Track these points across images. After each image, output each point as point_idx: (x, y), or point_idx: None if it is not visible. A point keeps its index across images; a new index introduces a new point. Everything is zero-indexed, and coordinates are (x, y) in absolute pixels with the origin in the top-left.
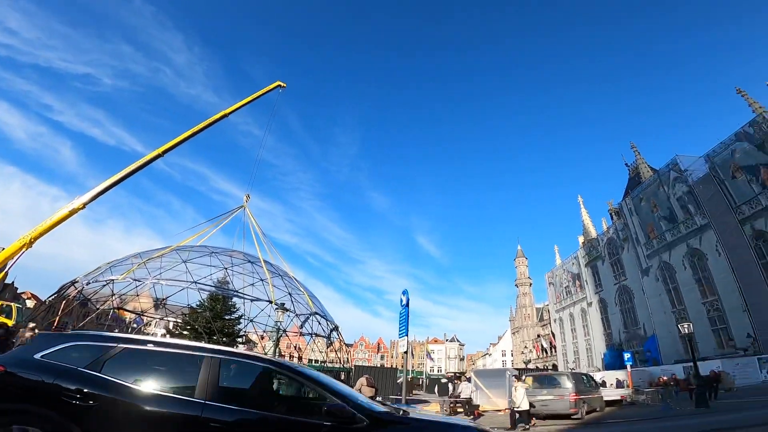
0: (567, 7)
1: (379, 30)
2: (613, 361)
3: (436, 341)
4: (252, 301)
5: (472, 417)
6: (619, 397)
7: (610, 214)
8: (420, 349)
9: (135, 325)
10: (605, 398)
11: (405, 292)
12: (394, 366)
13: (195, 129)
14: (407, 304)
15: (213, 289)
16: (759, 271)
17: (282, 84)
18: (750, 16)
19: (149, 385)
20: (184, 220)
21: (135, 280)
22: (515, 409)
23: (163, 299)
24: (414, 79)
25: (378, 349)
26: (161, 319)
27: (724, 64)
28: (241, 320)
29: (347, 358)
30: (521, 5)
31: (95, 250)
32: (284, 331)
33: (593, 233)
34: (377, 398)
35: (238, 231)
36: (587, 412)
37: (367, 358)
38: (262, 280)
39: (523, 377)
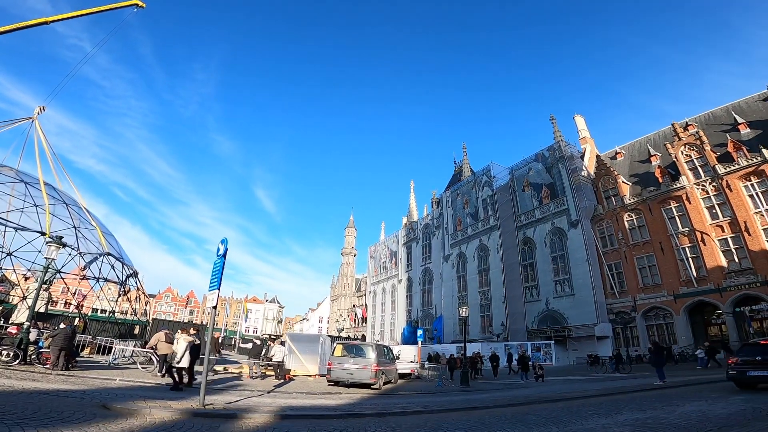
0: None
1: None
2: (410, 337)
3: (255, 300)
4: (16, 230)
5: (282, 381)
6: (409, 371)
7: (432, 202)
8: (237, 307)
9: None
10: (399, 371)
11: (224, 241)
12: (204, 323)
13: None
14: (224, 255)
15: None
16: (520, 270)
17: (140, 3)
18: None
19: None
20: None
21: None
22: (174, 365)
23: None
24: (291, 37)
25: (187, 303)
26: None
27: (563, 91)
28: None
29: (146, 310)
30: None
31: None
32: (58, 271)
33: (415, 216)
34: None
35: (15, 144)
36: (384, 383)
37: (173, 312)
38: (36, 205)
39: (180, 331)
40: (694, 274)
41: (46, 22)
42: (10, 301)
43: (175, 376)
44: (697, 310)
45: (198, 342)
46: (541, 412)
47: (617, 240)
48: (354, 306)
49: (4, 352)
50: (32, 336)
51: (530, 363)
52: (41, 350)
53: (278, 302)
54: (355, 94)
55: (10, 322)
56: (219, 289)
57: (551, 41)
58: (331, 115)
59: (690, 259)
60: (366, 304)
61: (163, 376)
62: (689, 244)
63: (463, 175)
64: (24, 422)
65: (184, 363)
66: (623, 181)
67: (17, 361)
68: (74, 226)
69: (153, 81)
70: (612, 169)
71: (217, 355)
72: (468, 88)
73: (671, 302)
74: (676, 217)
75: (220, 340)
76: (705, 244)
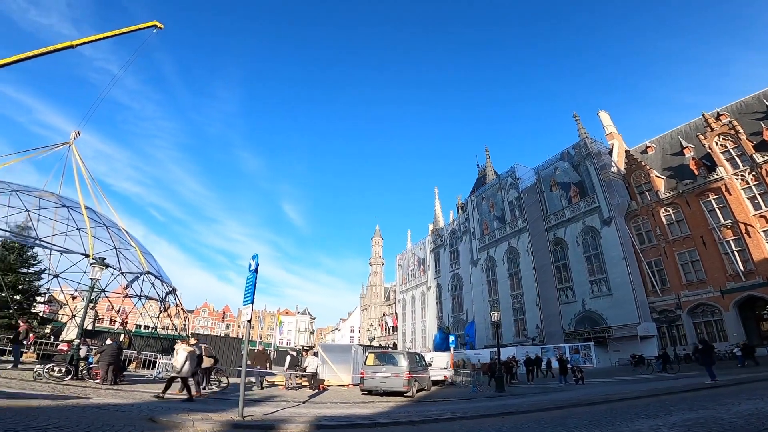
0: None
1: None
2: (441, 343)
3: (287, 312)
4: (62, 253)
5: (316, 391)
6: (442, 378)
7: (458, 207)
8: (270, 320)
9: None
10: (432, 378)
11: (255, 257)
12: (240, 336)
13: (23, 56)
14: (256, 270)
15: (7, 234)
16: (552, 272)
17: (159, 24)
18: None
19: None
20: None
21: None
22: (175, 374)
23: None
24: (307, 55)
25: (223, 318)
26: None
27: (583, 89)
28: (44, 275)
29: (185, 326)
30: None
31: None
32: (103, 291)
33: (441, 223)
34: (216, 368)
35: (55, 170)
36: (417, 391)
37: (210, 326)
38: (79, 229)
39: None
40: (741, 268)
41: (72, 46)
42: (60, 319)
43: (190, 387)
44: (748, 305)
45: (198, 352)
46: (583, 415)
47: (655, 236)
48: (384, 315)
49: (57, 369)
50: (82, 352)
51: (569, 366)
52: (91, 365)
53: (309, 314)
54: (375, 97)
55: (60, 339)
56: (252, 303)
57: (567, 38)
58: (350, 123)
59: (735, 253)
60: (396, 313)
61: (204, 388)
62: (733, 237)
63: (487, 179)
64: None
65: (185, 373)
66: (657, 175)
67: (69, 376)
68: (115, 247)
69: (178, 101)
70: (643, 163)
71: (267, 368)
72: (486, 90)
73: (718, 298)
74: (717, 210)
75: (272, 356)
76: (750, 236)
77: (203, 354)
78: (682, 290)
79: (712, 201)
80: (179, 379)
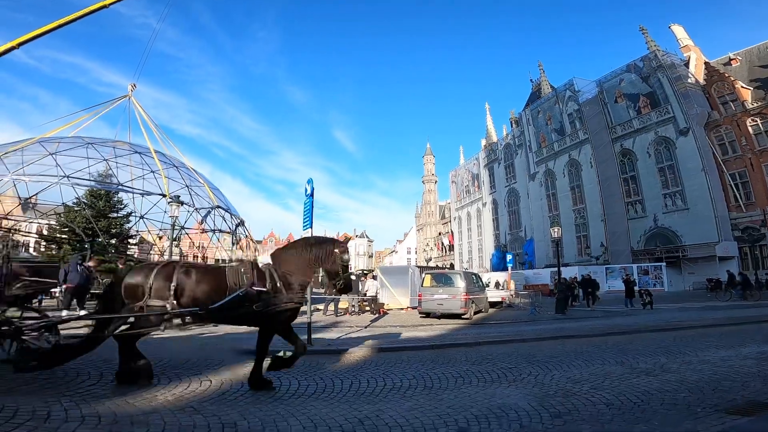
0: None
1: None
2: (498, 262)
3: (346, 237)
4: (143, 195)
5: (377, 315)
6: (500, 299)
7: (511, 122)
8: None
9: None
10: (489, 299)
11: (310, 181)
12: None
13: (63, 20)
14: (312, 194)
15: (92, 183)
16: (619, 184)
17: None
18: None
19: None
20: (56, 114)
21: None
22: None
23: (32, 198)
24: None
25: None
26: (30, 222)
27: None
28: (131, 218)
29: (256, 257)
30: None
31: None
32: (183, 228)
33: (494, 138)
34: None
35: (121, 122)
36: (475, 313)
37: None
38: (153, 171)
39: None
40: None
41: (105, 6)
42: (153, 259)
43: None
44: None
45: None
46: (648, 342)
47: (740, 146)
48: (440, 234)
49: None
50: None
51: (636, 288)
52: None
53: (367, 237)
54: (417, 25)
55: None
56: (311, 228)
57: None
58: (395, 48)
59: None
60: (452, 231)
61: None
62: None
63: (542, 93)
64: (181, 372)
65: None
66: (742, 86)
67: None
68: (186, 186)
69: (221, 47)
70: (727, 74)
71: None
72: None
73: None
74: None
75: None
76: None
77: None
78: None
79: None
80: None
